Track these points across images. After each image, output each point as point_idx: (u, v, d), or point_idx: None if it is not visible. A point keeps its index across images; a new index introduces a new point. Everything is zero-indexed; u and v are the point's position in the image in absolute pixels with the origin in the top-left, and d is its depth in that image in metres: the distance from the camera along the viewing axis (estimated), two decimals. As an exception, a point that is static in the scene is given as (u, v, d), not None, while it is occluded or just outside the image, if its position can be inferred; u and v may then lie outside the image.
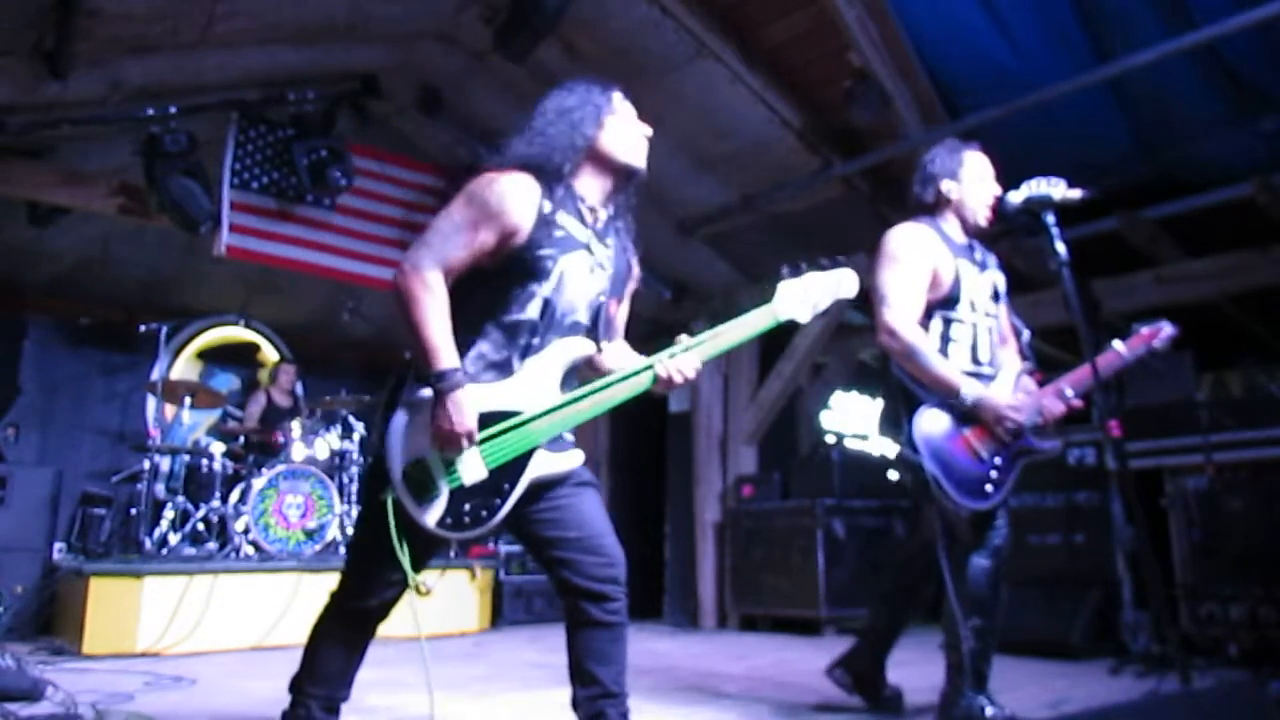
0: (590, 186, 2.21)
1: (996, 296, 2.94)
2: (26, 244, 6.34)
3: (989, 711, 2.63)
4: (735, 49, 4.80)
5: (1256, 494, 4.13)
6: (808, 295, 2.25)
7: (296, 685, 2.22)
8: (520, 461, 2.04)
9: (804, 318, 2.25)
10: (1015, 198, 2.68)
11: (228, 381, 7.68)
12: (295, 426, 5.96)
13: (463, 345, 2.03)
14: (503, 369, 2.08)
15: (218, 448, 6.00)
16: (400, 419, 2.03)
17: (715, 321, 6.94)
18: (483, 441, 2.01)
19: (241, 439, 6.34)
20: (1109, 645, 4.35)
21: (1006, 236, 5.00)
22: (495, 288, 2.08)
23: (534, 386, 2.08)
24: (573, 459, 2.12)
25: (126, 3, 4.18)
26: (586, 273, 2.16)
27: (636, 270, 2.36)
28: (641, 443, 7.48)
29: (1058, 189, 2.58)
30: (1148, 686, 3.50)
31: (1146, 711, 2.40)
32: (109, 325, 7.12)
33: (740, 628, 6.08)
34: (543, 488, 2.08)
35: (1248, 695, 2.51)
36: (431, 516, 1.99)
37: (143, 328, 6.12)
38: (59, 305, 7.10)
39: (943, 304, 2.81)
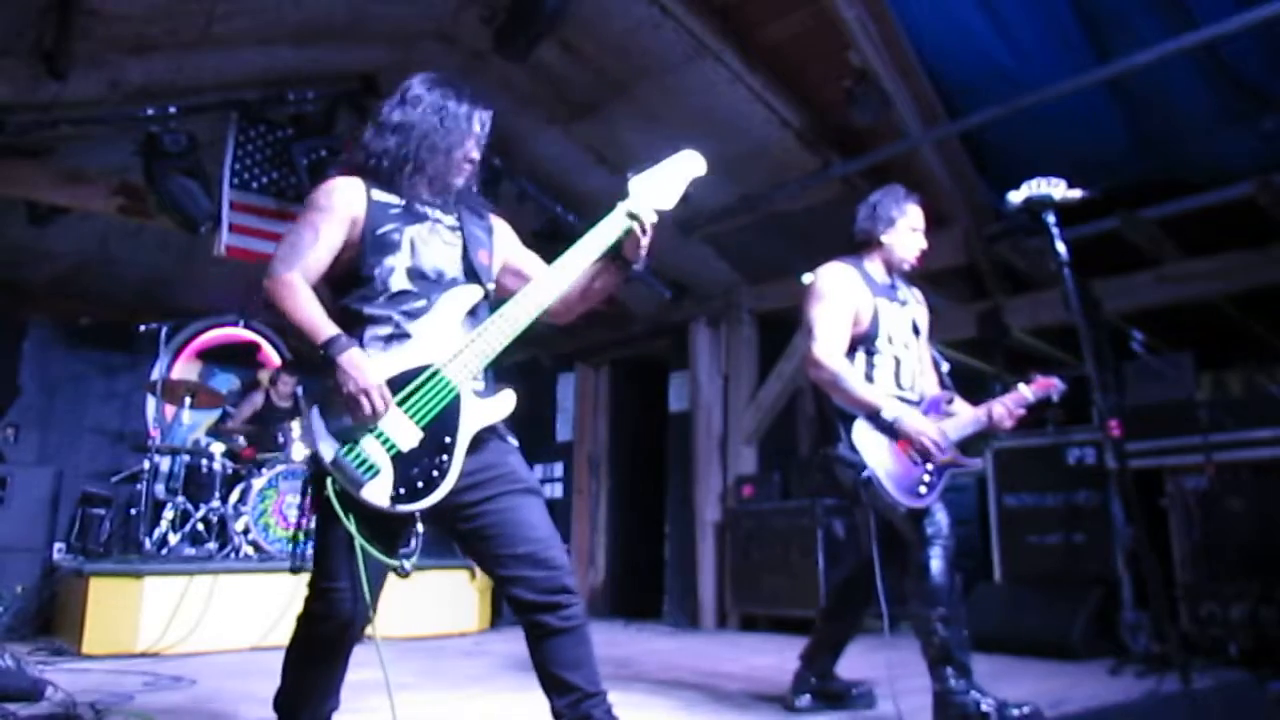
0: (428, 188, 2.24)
1: (916, 330, 3.17)
2: (26, 244, 6.34)
3: (984, 706, 2.64)
4: (735, 49, 4.80)
5: (1256, 494, 4.13)
6: (662, 183, 2.27)
7: (280, 705, 2.17)
8: (451, 411, 2.05)
9: (667, 204, 2.27)
10: (1015, 198, 2.70)
11: (228, 381, 7.69)
12: (295, 427, 5.96)
13: (356, 337, 2.06)
14: (400, 337, 2.10)
15: (218, 448, 6.00)
16: (316, 409, 2.03)
17: (715, 322, 6.87)
18: (403, 403, 2.01)
19: (241, 439, 6.34)
20: (1109, 645, 4.35)
21: (1007, 236, 5.01)
22: (361, 279, 2.13)
23: (435, 339, 2.10)
24: (505, 402, 2.13)
25: (126, 3, 4.18)
26: (439, 240, 2.20)
27: (500, 222, 2.39)
28: (641, 443, 7.48)
29: (1058, 189, 2.59)
30: (1148, 686, 3.50)
31: (1146, 711, 2.41)
32: (109, 325, 7.13)
33: (740, 627, 6.08)
34: (486, 485, 2.06)
35: (1248, 695, 2.52)
36: (382, 493, 1.96)
37: (143, 328, 6.12)
38: (59, 305, 7.11)
39: (863, 339, 3.04)
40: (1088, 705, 3.12)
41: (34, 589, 5.10)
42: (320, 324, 2.02)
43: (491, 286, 2.28)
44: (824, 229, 5.70)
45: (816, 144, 5.17)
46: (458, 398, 2.06)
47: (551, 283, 2.15)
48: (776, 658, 4.58)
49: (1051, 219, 2.56)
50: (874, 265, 3.16)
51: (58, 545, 5.77)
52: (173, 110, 5.03)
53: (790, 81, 4.99)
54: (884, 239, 3.13)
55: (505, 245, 2.38)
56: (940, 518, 2.85)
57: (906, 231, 3.14)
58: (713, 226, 6.04)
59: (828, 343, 2.96)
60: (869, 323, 3.04)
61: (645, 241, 2.19)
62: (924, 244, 3.16)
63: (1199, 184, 4.77)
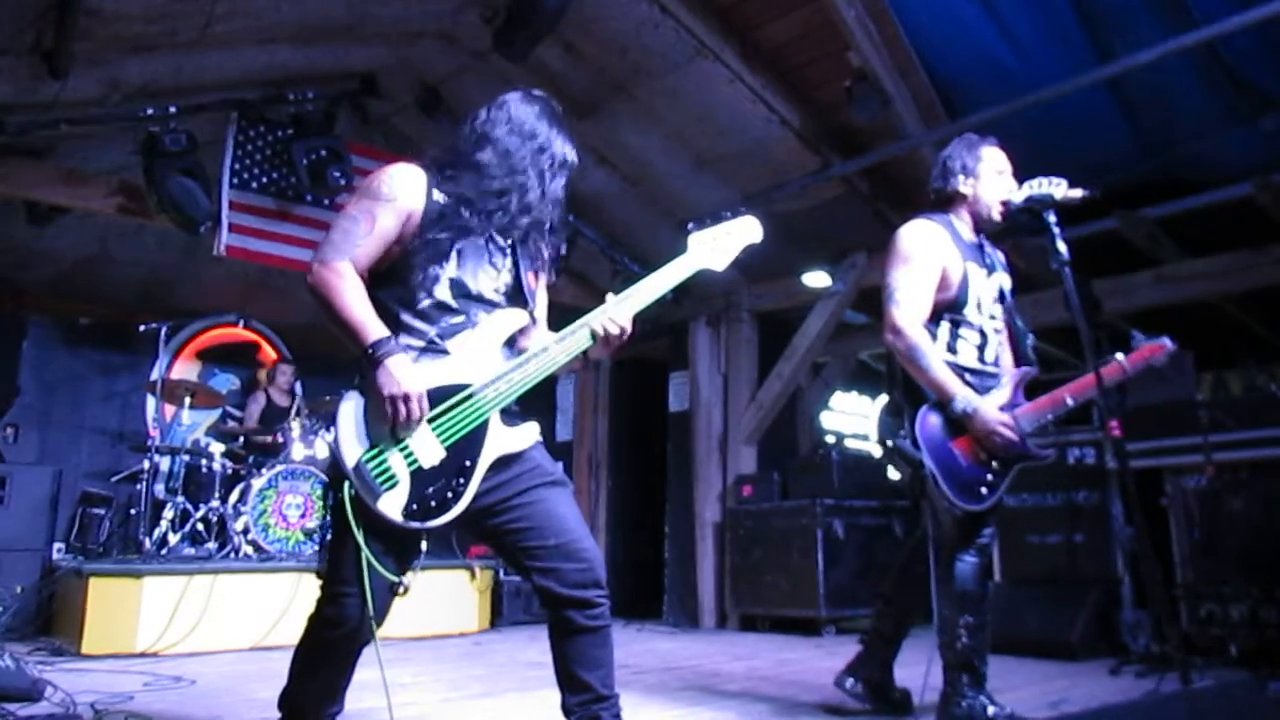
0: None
1: (1002, 298, 2.92)
2: (26, 244, 6.34)
3: (990, 710, 2.63)
4: (735, 49, 4.80)
5: (1256, 494, 4.13)
6: (718, 244, 2.31)
7: (286, 703, 2.17)
8: (477, 435, 2.03)
9: (719, 265, 2.32)
10: (1016, 197, 2.71)
11: (228, 381, 7.68)
12: (295, 426, 5.96)
13: None
14: (434, 351, 2.07)
15: (217, 448, 6.00)
16: (348, 409, 2.01)
17: (715, 322, 6.88)
18: (434, 420, 2.00)
19: (241, 439, 6.34)
20: (1109, 645, 4.35)
21: (1007, 236, 5.01)
22: (401, 280, 2.09)
23: (474, 359, 2.08)
24: (530, 432, 2.12)
25: (126, 2, 4.18)
26: (486, 254, 2.17)
27: (547, 251, 2.37)
28: (641, 443, 7.48)
29: (1059, 188, 2.59)
30: (1148, 686, 3.51)
31: (1146, 711, 2.41)
32: (109, 325, 7.12)
33: (740, 628, 6.08)
34: (513, 482, 2.06)
35: (1248, 695, 2.52)
36: (395, 506, 1.95)
37: (142, 328, 6.12)
38: (59, 305, 7.10)
39: (950, 306, 2.79)
40: (1088, 705, 3.12)
41: (34, 589, 5.10)
42: (369, 322, 1.99)
43: (538, 313, 2.26)
44: (824, 229, 5.71)
45: (816, 144, 5.17)
46: (486, 423, 2.05)
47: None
48: (776, 658, 4.59)
49: (1053, 218, 2.55)
50: (961, 221, 2.88)
51: (57, 545, 5.77)
52: (173, 110, 5.02)
53: (790, 81, 4.99)
54: (966, 190, 2.86)
55: (542, 269, 2.36)
56: (989, 526, 2.75)
57: (991, 176, 2.84)
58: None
59: (910, 307, 2.71)
60: (957, 288, 2.78)
61: (613, 343, 2.16)
62: (1012, 188, 2.81)
63: (1199, 184, 4.78)
